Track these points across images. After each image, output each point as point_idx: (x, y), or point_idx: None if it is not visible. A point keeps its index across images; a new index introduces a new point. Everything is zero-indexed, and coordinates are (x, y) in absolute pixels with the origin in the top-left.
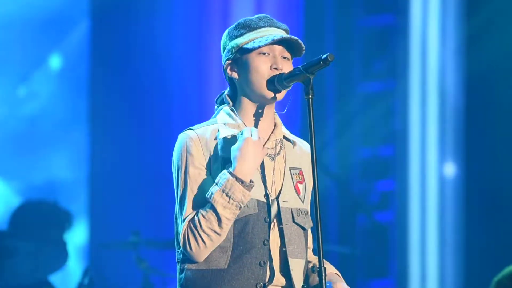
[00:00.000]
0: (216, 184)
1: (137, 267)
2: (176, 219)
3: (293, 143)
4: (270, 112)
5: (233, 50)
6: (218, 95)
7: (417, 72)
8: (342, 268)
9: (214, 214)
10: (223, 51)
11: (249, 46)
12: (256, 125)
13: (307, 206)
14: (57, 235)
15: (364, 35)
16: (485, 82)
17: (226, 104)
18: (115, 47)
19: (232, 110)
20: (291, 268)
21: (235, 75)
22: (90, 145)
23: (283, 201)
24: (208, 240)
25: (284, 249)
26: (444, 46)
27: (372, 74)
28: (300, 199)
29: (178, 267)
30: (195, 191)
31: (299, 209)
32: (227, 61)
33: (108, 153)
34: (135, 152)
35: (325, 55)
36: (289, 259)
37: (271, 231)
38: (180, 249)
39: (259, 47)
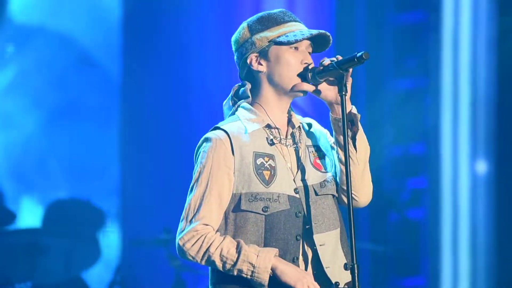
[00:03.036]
0: (257, 255)
1: (169, 265)
2: (186, 214)
3: (309, 125)
4: (289, 105)
5: (261, 43)
6: (232, 93)
7: (449, 69)
8: (374, 266)
9: (234, 256)
10: (242, 44)
11: (282, 39)
12: (276, 118)
13: (331, 172)
14: (89, 233)
15: (395, 32)
16: None
17: (243, 100)
18: (147, 46)
19: (252, 105)
20: (318, 244)
21: (262, 68)
22: (121, 143)
23: (301, 180)
24: (207, 262)
25: (315, 224)
26: (476, 43)
27: (403, 71)
28: (321, 172)
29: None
30: (215, 195)
31: (322, 181)
32: (252, 54)
33: (139, 151)
34: (166, 148)
35: (360, 53)
36: (315, 236)
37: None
38: None
39: (296, 41)
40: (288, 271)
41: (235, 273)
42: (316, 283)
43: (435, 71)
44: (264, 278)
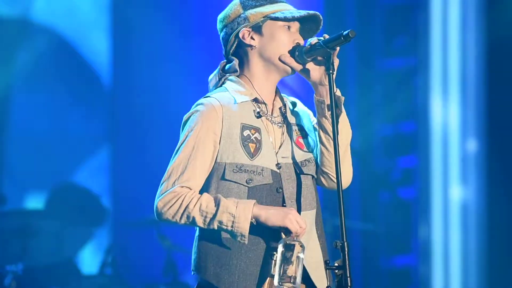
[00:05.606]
0: (236, 206)
1: (160, 245)
2: (169, 175)
3: (294, 104)
4: (275, 84)
5: (255, 18)
6: (219, 68)
7: (438, 47)
8: (365, 244)
9: (213, 209)
10: (234, 19)
11: (278, 15)
12: (263, 94)
13: (313, 153)
14: (80, 215)
15: (385, 11)
16: (507, 57)
17: (230, 73)
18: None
19: (239, 77)
20: None
21: (254, 42)
22: (111, 126)
23: (282, 157)
24: (187, 220)
25: (291, 202)
26: (465, 21)
27: (393, 50)
28: (303, 151)
29: (196, 233)
30: (200, 159)
31: (303, 160)
32: (244, 28)
33: (129, 131)
34: (156, 129)
35: (346, 31)
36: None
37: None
38: None
39: (293, 17)
40: (271, 215)
41: (216, 226)
42: (301, 216)
43: (425, 49)
44: (245, 227)
